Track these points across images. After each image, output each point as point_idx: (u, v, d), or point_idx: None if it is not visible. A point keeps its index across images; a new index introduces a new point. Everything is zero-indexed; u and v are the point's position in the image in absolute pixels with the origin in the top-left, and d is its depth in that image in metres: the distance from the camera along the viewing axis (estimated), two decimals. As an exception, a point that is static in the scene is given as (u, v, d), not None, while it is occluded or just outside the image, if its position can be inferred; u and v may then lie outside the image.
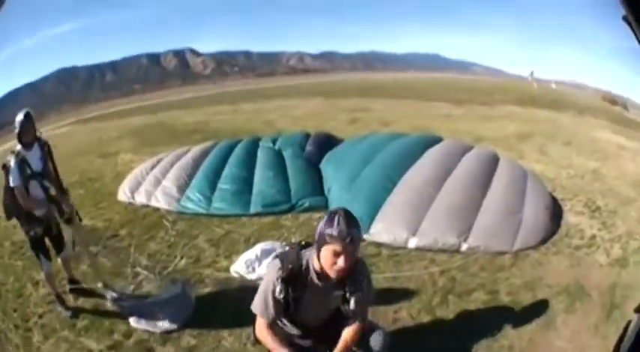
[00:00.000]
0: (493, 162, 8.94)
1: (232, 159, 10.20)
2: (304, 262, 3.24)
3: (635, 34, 2.26)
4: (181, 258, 6.99)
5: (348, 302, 3.33)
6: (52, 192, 5.68)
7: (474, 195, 7.48)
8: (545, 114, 19.95)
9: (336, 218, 2.95)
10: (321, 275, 3.18)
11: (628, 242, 6.79)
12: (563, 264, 6.22)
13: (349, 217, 2.98)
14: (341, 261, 2.97)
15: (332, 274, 3.06)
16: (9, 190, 5.47)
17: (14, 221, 5.75)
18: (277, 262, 3.29)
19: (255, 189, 8.97)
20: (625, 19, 2.25)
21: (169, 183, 9.54)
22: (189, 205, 8.80)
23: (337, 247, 2.94)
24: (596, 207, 8.06)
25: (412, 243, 6.61)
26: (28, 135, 5.51)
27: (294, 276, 3.21)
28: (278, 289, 3.22)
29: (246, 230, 7.76)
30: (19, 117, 5.48)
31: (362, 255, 3.79)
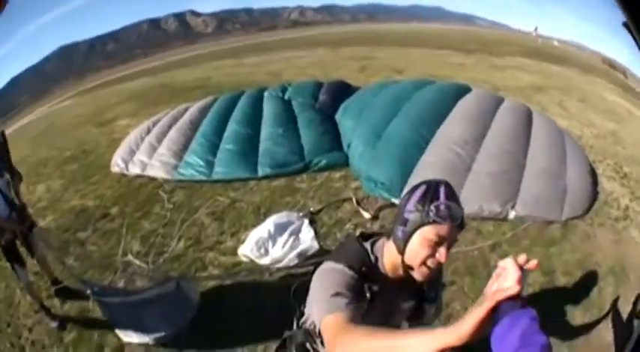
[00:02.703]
0: (528, 117, 8.12)
1: (235, 115, 9.10)
2: (373, 258, 2.09)
3: (636, 40, 2.25)
4: (179, 239, 6.10)
5: (422, 313, 2.25)
6: (10, 194, 4.85)
7: (516, 155, 6.71)
8: (554, 68, 19.08)
9: (441, 189, 1.93)
10: (390, 277, 2.08)
11: None
12: (608, 239, 5.73)
13: (454, 192, 1.97)
14: (442, 252, 1.90)
15: (420, 274, 1.97)
16: None
17: None
18: (344, 268, 1.98)
19: (262, 147, 7.89)
20: (625, 25, 2.26)
21: (165, 148, 8.47)
22: (188, 171, 7.76)
23: (443, 231, 1.88)
24: (624, 174, 7.45)
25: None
26: None
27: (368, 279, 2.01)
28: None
29: (255, 197, 6.88)
30: None
31: None
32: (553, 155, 6.87)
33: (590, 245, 5.53)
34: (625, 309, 4.37)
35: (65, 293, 5.48)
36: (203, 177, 7.54)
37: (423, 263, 1.90)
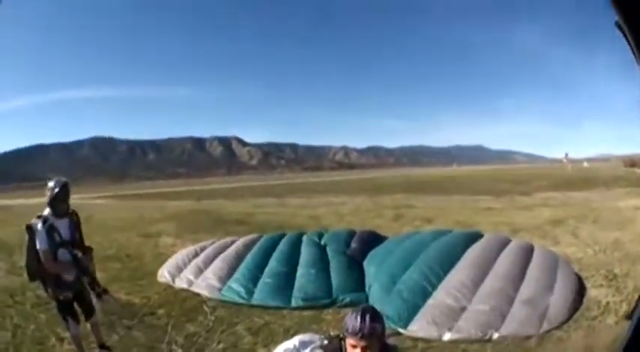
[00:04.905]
0: (528, 253, 9.93)
1: (276, 254, 10.91)
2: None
3: (627, 40, 2.38)
4: (219, 342, 7.50)
5: None
6: (83, 262, 6.24)
7: (508, 290, 8.29)
8: (577, 196, 22.24)
9: (356, 314, 3.38)
10: None
11: (634, 296, 7.82)
12: (580, 335, 6.95)
13: (370, 314, 3.40)
14: None
15: None
16: (34, 252, 6.03)
17: None
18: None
19: (297, 283, 9.60)
20: (617, 25, 2.37)
21: (211, 274, 10.33)
22: (231, 295, 9.45)
23: (352, 341, 3.38)
24: (613, 276, 9.26)
25: (446, 337, 7.29)
26: (62, 205, 6.18)
27: None
28: None
29: (287, 322, 8.29)
30: (53, 184, 6.13)
31: (397, 344, 4.37)
32: (542, 281, 8.55)
33: (561, 346, 6.76)
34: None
35: None
36: (243, 301, 9.14)
37: None
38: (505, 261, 9.44)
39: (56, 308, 6.43)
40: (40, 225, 5.92)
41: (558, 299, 8.01)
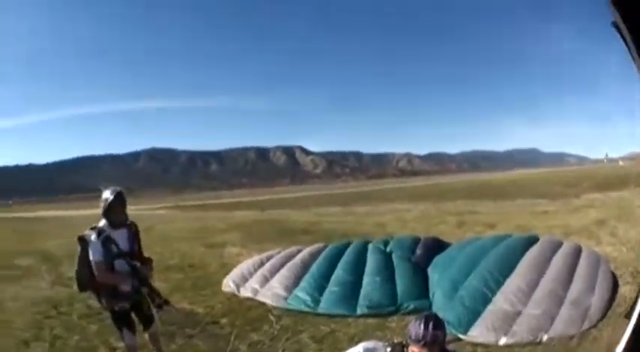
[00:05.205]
0: (577, 255, 10.02)
1: (342, 263, 10.82)
2: None
3: (624, 40, 2.42)
4: (283, 350, 7.46)
5: None
6: (142, 272, 6.13)
7: (559, 292, 8.39)
8: (614, 196, 23.55)
9: (419, 321, 3.57)
10: None
11: None
12: (609, 332, 6.94)
13: (433, 321, 3.58)
14: None
15: None
16: (86, 263, 5.95)
17: None
18: None
19: (363, 291, 9.53)
20: (614, 24, 2.40)
21: (277, 283, 10.30)
22: (297, 303, 9.42)
23: (415, 348, 3.56)
24: (637, 272, 9.48)
25: (502, 341, 7.34)
26: (118, 216, 6.07)
27: None
28: None
29: (351, 329, 8.22)
30: (108, 195, 6.01)
31: (456, 350, 4.50)
32: (585, 285, 8.57)
33: (596, 346, 6.77)
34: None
35: None
36: (309, 310, 9.10)
37: None
38: (557, 264, 9.47)
39: (110, 318, 6.37)
40: (94, 237, 5.86)
41: (598, 299, 8.11)
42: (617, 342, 6.15)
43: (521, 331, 7.39)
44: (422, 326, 3.52)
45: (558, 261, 9.60)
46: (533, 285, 8.61)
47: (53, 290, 11.32)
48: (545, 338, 7.21)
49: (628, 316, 3.17)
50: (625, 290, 8.48)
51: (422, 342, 3.49)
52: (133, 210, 6.54)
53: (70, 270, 6.57)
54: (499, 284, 8.78)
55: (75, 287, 6.40)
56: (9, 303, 10.65)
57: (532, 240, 10.98)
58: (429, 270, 10.34)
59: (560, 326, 7.42)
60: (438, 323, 3.59)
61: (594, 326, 7.32)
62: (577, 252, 10.12)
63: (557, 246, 10.57)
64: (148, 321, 6.48)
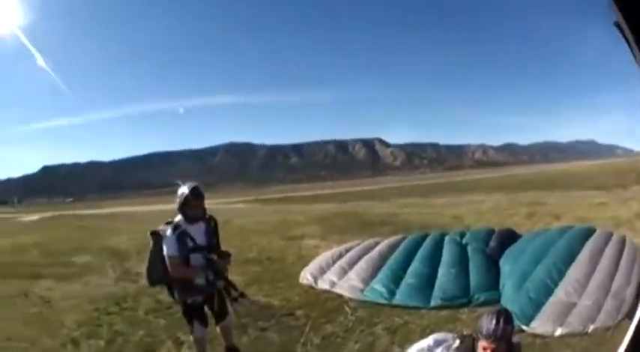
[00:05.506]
0: (622, 248, 10.06)
1: (419, 255, 10.79)
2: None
3: (627, 40, 2.40)
4: (356, 342, 7.46)
5: None
6: (218, 265, 6.16)
7: (607, 284, 8.45)
8: None
9: (491, 317, 3.63)
10: None
11: None
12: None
13: (504, 317, 3.64)
14: None
15: None
16: (159, 257, 6.05)
17: None
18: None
19: (437, 283, 9.53)
20: (616, 24, 2.39)
21: (355, 274, 10.29)
22: (373, 295, 9.41)
23: (484, 343, 3.61)
24: None
25: (558, 332, 7.38)
26: (193, 210, 6.07)
27: None
28: None
29: (424, 321, 8.19)
30: (184, 190, 6.04)
31: (520, 341, 4.28)
32: (625, 277, 8.63)
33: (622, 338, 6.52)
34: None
35: None
36: (385, 302, 9.10)
37: None
38: (608, 256, 9.56)
39: (182, 312, 6.45)
40: (169, 232, 5.93)
41: (632, 290, 8.18)
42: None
43: (574, 322, 7.46)
44: (493, 321, 3.57)
45: (609, 252, 9.70)
46: (588, 277, 8.69)
47: (117, 286, 11.44)
48: (591, 328, 7.26)
49: (630, 316, 3.22)
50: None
51: (492, 338, 3.55)
52: (210, 205, 6.56)
53: (138, 266, 6.64)
54: (561, 275, 8.85)
55: (143, 281, 6.73)
56: (60, 303, 10.72)
57: (590, 232, 11.08)
58: (501, 262, 10.35)
59: (603, 316, 7.49)
60: (509, 319, 3.66)
61: (625, 317, 7.23)
62: (622, 244, 10.18)
63: (609, 237, 10.66)
64: (221, 314, 6.52)
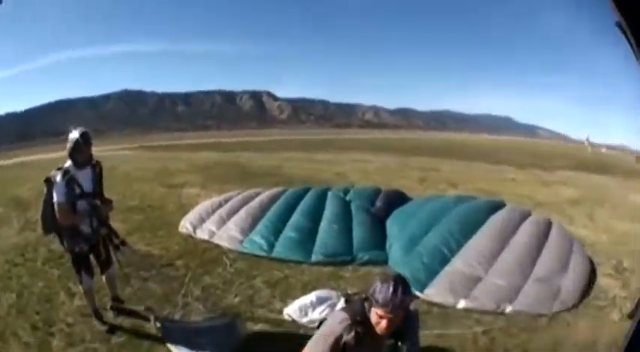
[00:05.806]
0: (546, 230, 9.98)
1: (300, 208, 10.90)
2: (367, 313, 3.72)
3: (628, 40, 2.48)
4: (236, 295, 7.54)
5: (398, 350, 3.83)
6: (101, 211, 6.21)
7: (525, 264, 8.39)
8: (596, 179, 22.61)
9: (387, 285, 3.46)
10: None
11: (636, 295, 7.76)
12: (587, 325, 6.94)
13: (400, 285, 3.49)
14: (383, 324, 3.51)
15: (377, 331, 3.58)
16: (50, 205, 5.99)
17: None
18: (343, 314, 3.77)
19: (319, 238, 9.59)
20: (618, 24, 2.47)
21: (234, 224, 10.28)
22: (252, 247, 9.44)
23: (380, 312, 3.47)
24: (623, 268, 9.11)
25: (461, 305, 7.36)
26: (82, 155, 6.04)
27: (359, 325, 3.68)
28: (345, 336, 3.64)
29: (305, 277, 8.30)
30: (74, 134, 5.99)
31: (416, 308, 4.19)
32: (557, 261, 8.59)
33: (568, 330, 6.80)
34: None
35: (119, 311, 6.88)
36: (264, 254, 9.13)
37: (376, 325, 3.54)
38: (524, 234, 9.52)
39: (71, 261, 6.41)
40: (59, 177, 5.86)
41: (571, 282, 8.03)
42: (599, 338, 6.42)
43: (481, 297, 7.44)
44: (390, 290, 3.43)
45: (525, 231, 9.67)
46: (495, 253, 8.68)
47: (21, 236, 11.05)
48: (508, 309, 7.24)
49: (631, 316, 3.17)
50: (605, 283, 8.46)
51: (389, 307, 3.43)
52: (100, 151, 6.46)
53: (37, 214, 6.48)
54: (459, 245, 8.88)
55: (40, 230, 6.50)
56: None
57: (498, 205, 11.13)
58: (388, 223, 10.44)
59: (527, 300, 7.42)
60: (407, 289, 3.53)
61: (567, 310, 7.34)
62: (546, 226, 10.18)
63: (525, 215, 10.66)
64: (105, 264, 6.61)
